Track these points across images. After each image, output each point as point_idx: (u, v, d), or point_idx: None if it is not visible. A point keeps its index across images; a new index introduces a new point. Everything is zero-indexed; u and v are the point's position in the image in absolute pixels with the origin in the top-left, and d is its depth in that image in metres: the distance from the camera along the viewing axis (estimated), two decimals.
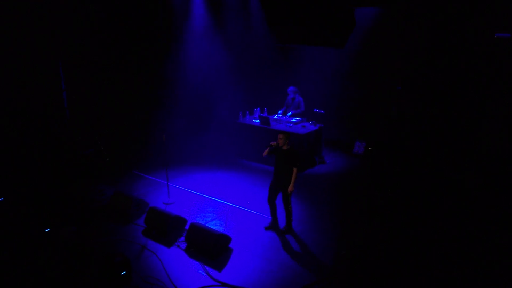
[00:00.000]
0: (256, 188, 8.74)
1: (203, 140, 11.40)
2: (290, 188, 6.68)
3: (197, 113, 11.92)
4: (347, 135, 11.34)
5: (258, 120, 10.25)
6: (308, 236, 6.95)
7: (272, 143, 6.77)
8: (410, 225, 7.17)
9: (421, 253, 6.35)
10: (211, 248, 6.30)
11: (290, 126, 9.89)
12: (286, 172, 6.68)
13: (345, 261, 6.17)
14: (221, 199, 8.29)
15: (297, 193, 8.49)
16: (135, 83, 11.01)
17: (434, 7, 9.18)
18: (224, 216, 7.62)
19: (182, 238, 6.79)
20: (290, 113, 10.44)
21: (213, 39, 11.67)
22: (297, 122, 10.09)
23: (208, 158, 10.56)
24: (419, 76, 9.94)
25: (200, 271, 6.03)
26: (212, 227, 6.98)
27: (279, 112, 10.60)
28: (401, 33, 9.82)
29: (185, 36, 11.47)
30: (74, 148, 9.92)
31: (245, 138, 10.38)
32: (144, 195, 8.42)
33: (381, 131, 10.69)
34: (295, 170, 6.63)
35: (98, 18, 10.06)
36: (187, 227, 6.95)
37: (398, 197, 8.14)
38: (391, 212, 7.63)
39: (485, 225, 7.09)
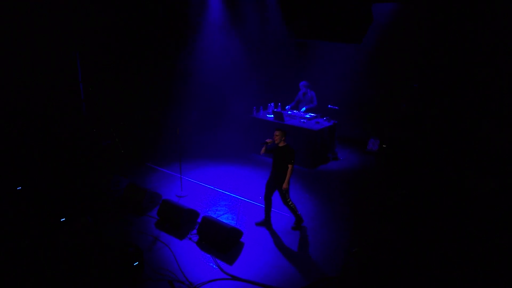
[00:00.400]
0: None
1: (217, 134, 11.45)
2: (284, 185, 6.64)
3: (211, 107, 11.96)
4: (361, 132, 11.26)
5: (272, 115, 10.24)
6: (319, 232, 6.95)
7: (268, 140, 6.71)
8: (423, 224, 7.10)
9: (433, 253, 6.28)
10: (222, 242, 6.34)
11: (303, 121, 9.86)
12: (283, 169, 6.60)
13: (356, 259, 6.15)
14: (233, 193, 8.32)
15: (309, 189, 8.49)
16: (150, 77, 11.10)
17: (451, 3, 9.01)
18: (236, 210, 7.66)
19: (194, 231, 6.85)
20: (304, 108, 10.40)
21: (229, 33, 11.67)
22: (311, 118, 10.04)
23: (222, 152, 10.61)
24: (436, 73, 9.79)
25: (211, 264, 6.08)
26: (224, 220, 7.02)
27: (287, 107, 10.53)
28: (418, 29, 9.68)
29: (201, 29, 11.50)
30: (90, 140, 10.07)
31: (258, 133, 10.38)
32: (158, 187, 8.51)
33: (396, 129, 10.58)
34: (290, 167, 6.56)
35: (114, 12, 10.15)
36: (199, 220, 7.00)
37: (412, 196, 8.05)
38: (404, 211, 7.56)
39: (502, 225, 6.98)
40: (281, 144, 6.63)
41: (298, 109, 10.52)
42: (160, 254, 6.31)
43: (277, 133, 6.57)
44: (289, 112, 10.37)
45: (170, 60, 11.35)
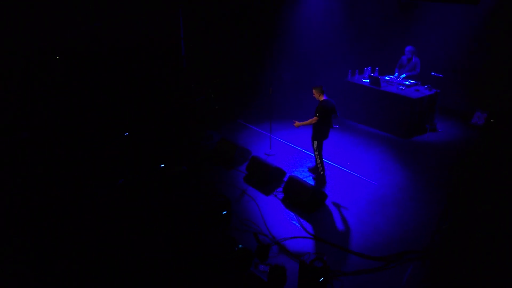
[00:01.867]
0: (357, 150, 8.58)
1: (309, 97, 11.35)
2: (296, 123, 7.21)
3: (305, 68, 11.83)
4: (466, 104, 10.32)
5: (368, 80, 9.83)
6: (407, 204, 6.71)
7: (295, 123, 7.30)
8: None
9: None
10: (307, 202, 6.46)
11: (402, 88, 9.31)
12: (318, 123, 7.09)
13: (445, 235, 5.86)
14: None
15: (400, 159, 8.18)
16: (248, 36, 11.24)
17: None
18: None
19: (280, 189, 7.06)
20: (404, 75, 9.81)
21: None
22: (410, 85, 9.45)
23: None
24: None
25: (294, 222, 6.26)
26: (309, 182, 7.10)
27: (388, 77, 9.91)
28: None
29: None
30: (188, 94, 10.66)
31: (352, 98, 10.07)
32: (247, 144, 8.82)
33: (508, 102, 9.51)
34: (314, 118, 7.03)
35: None
36: (285, 179, 7.18)
37: None
38: (505, 194, 6.92)
39: None
40: (321, 98, 7.08)
41: (399, 74, 9.94)
42: (246, 206, 6.65)
43: (313, 91, 7.16)
44: (386, 78, 9.85)
45: (270, 20, 11.32)
